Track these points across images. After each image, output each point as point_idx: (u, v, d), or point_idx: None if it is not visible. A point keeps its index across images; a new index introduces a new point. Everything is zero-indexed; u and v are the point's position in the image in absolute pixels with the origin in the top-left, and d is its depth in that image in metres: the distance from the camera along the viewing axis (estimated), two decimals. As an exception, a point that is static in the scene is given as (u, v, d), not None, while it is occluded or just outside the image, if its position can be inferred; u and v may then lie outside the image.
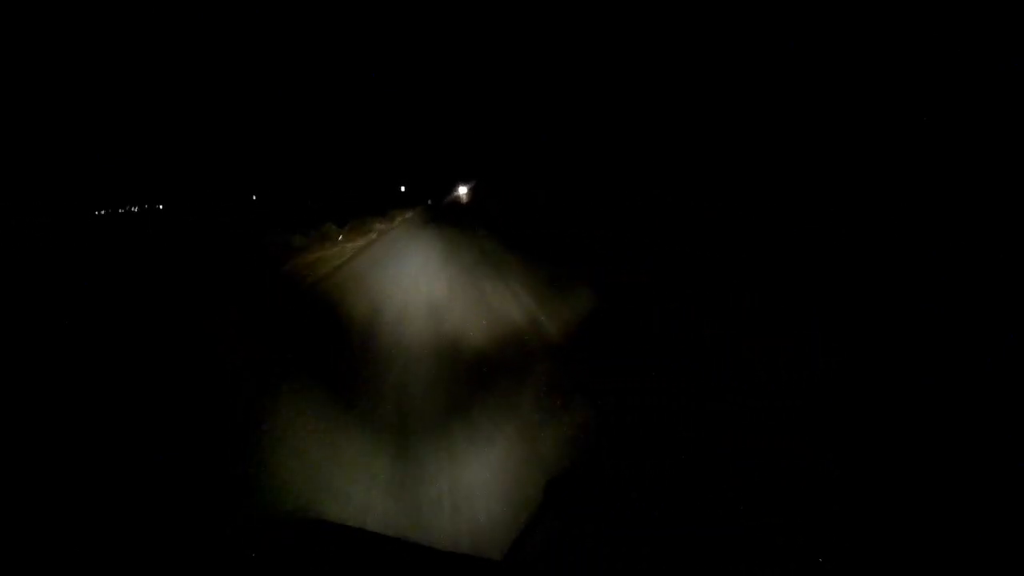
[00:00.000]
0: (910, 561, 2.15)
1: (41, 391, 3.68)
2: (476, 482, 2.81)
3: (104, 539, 2.06)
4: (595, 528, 1.02)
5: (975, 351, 5.65)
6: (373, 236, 15.71)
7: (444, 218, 25.14)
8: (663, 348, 5.24)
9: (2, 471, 2.65)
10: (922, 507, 2.54)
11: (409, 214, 26.22)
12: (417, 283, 8.29)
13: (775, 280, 10.43)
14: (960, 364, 5.25)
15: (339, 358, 4.62)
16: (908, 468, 2.98)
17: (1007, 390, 4.43)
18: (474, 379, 4.32)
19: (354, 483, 2.71)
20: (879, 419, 3.76)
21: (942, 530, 2.35)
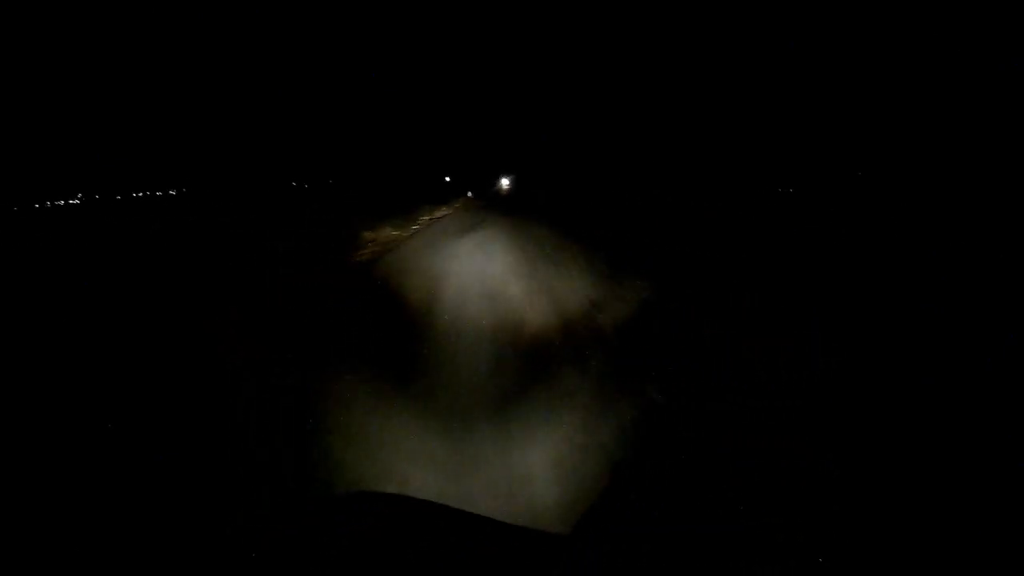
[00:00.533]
0: (910, 561, 2.10)
1: (41, 391, 3.81)
2: (532, 468, 2.80)
3: (117, 536, 2.16)
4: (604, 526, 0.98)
5: (975, 351, 5.32)
6: (424, 223, 15.95)
7: (492, 207, 25.23)
8: (666, 348, 5.11)
9: (2, 472, 2.76)
10: (922, 507, 2.50)
11: (457, 203, 26.43)
12: (472, 269, 8.34)
13: (775, 280, 9.89)
14: (960, 364, 4.98)
15: (397, 343, 4.71)
16: (908, 468, 2.92)
17: (1007, 390, 4.25)
18: (531, 366, 4.30)
19: (411, 467, 2.77)
20: (879, 419, 3.68)
21: (942, 530, 2.31)
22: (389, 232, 12.61)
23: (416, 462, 2.80)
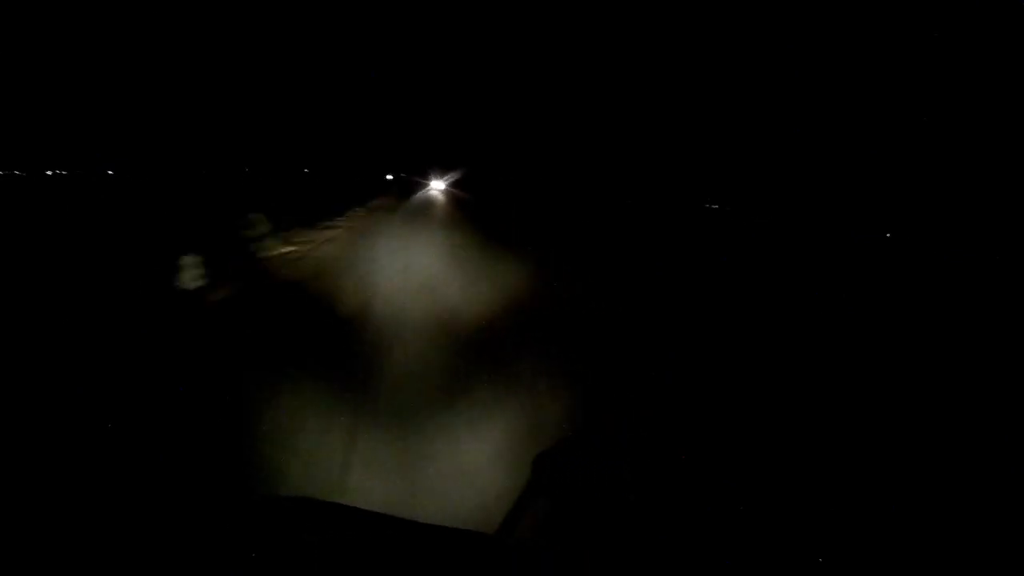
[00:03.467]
0: (910, 561, 2.12)
1: (39, 391, 3.52)
2: (477, 459, 2.72)
3: (103, 539, 1.94)
4: (586, 508, 0.94)
5: (975, 351, 5.78)
6: (360, 217, 15.47)
7: (426, 206, 25.01)
8: (610, 327, 5.25)
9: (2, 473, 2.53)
10: (922, 507, 2.52)
11: (386, 202, 25.96)
12: (405, 266, 8.14)
13: (775, 280, 10.56)
14: (960, 364, 5.33)
15: (332, 340, 4.47)
16: (908, 468, 2.97)
17: (1007, 390, 4.50)
18: (472, 355, 4.21)
19: (351, 466, 2.60)
20: (879, 419, 3.73)
21: (942, 530, 2.33)
22: (317, 233, 12.09)
23: (358, 462, 2.64)
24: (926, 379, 4.83)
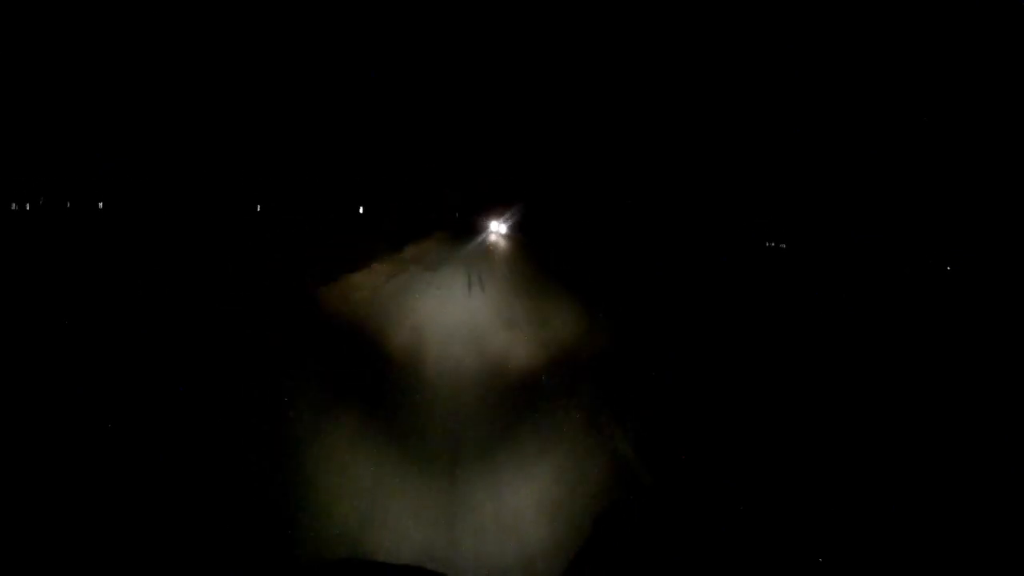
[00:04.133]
0: (910, 561, 2.09)
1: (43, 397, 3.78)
2: (523, 508, 2.73)
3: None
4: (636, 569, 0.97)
5: (975, 351, 5.58)
6: (407, 260, 16.06)
7: (481, 244, 25.64)
8: (652, 380, 5.22)
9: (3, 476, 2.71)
10: (922, 507, 2.50)
11: (443, 239, 26.77)
12: (457, 308, 8.35)
13: (776, 283, 10.24)
14: (960, 364, 5.18)
15: (381, 385, 4.64)
16: (908, 468, 2.96)
17: (1007, 390, 4.42)
18: (518, 404, 4.25)
19: (400, 512, 2.69)
20: (879, 419, 3.75)
21: (942, 530, 2.30)
22: (375, 270, 12.67)
23: (403, 507, 2.72)
24: (926, 379, 4.84)
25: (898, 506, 2.48)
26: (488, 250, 21.25)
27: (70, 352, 4.99)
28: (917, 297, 9.39)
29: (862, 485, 2.69)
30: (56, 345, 5.21)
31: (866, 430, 3.63)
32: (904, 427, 3.66)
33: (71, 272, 9.96)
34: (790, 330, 7.73)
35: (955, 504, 2.54)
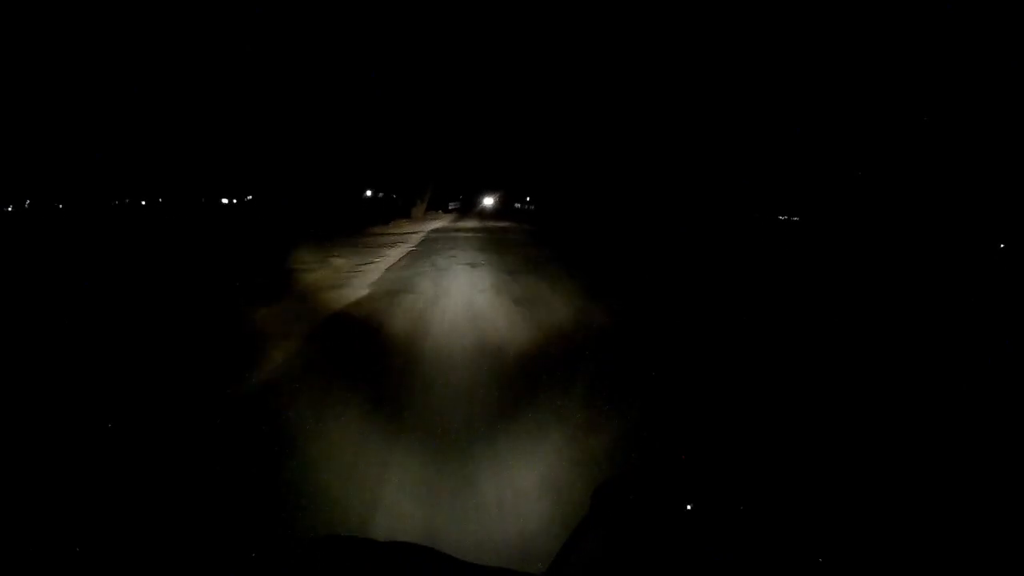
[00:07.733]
0: (910, 561, 2.07)
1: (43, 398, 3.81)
2: (524, 486, 2.72)
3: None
4: (644, 539, 0.92)
5: (975, 351, 5.58)
6: (400, 241, 16.03)
7: (476, 224, 25.51)
8: (653, 357, 5.19)
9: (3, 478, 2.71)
10: (922, 507, 2.49)
11: (439, 222, 26.68)
12: (452, 289, 8.31)
13: (778, 281, 10.20)
14: (960, 364, 5.21)
15: (381, 369, 4.63)
16: (908, 468, 2.94)
17: (1007, 390, 4.40)
18: (518, 385, 4.23)
19: (399, 493, 2.67)
20: (879, 419, 3.72)
21: (942, 530, 2.30)
22: (364, 252, 12.60)
23: (403, 490, 2.71)
24: (925, 379, 4.77)
25: (898, 506, 2.48)
26: (487, 232, 21.17)
27: (70, 352, 5.01)
28: (922, 286, 9.29)
29: (863, 486, 2.68)
30: (56, 345, 5.23)
31: (872, 425, 3.60)
32: (907, 427, 3.63)
33: (71, 272, 10.00)
34: (798, 316, 7.73)
35: (955, 504, 2.54)
